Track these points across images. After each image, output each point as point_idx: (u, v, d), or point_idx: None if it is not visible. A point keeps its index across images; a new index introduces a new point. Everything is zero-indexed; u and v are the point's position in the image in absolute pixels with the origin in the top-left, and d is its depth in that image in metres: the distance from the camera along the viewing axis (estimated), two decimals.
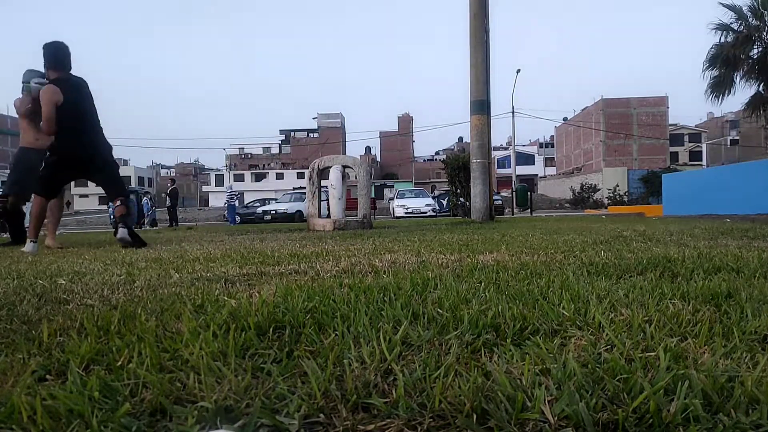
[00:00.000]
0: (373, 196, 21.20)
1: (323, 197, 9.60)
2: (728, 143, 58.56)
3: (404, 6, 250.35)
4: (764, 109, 18.52)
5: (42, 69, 4.78)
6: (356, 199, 8.65)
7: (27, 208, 5.95)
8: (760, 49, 17.83)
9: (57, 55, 4.55)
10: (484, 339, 1.12)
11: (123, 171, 58.67)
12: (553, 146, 68.82)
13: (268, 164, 73.78)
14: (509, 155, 48.37)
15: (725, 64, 18.03)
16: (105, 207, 35.88)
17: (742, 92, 18.79)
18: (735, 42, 17.83)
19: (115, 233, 4.68)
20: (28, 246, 4.45)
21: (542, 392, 0.79)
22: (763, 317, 1.23)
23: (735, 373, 0.87)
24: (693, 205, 11.60)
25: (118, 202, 4.68)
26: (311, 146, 69.63)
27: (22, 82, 5.29)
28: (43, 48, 4.53)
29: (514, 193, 24.66)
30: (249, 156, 76.88)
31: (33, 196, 4.80)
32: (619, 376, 0.87)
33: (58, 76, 4.53)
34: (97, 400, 0.83)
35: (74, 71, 4.77)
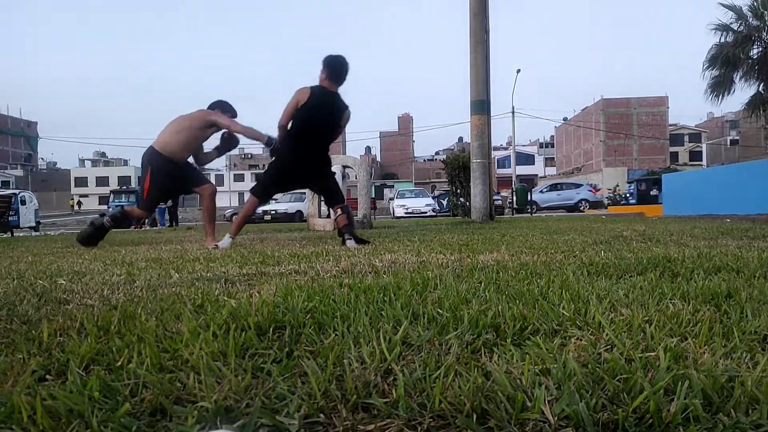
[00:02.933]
0: (373, 196, 21.20)
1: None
2: (728, 143, 58.47)
3: (404, 6, 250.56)
4: (764, 109, 18.54)
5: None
6: (356, 199, 8.65)
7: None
8: (760, 49, 17.84)
9: (335, 67, 4.51)
10: (484, 339, 1.12)
11: (123, 171, 58.73)
12: (553, 146, 68.76)
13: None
14: (509, 155, 48.35)
15: (725, 64, 18.04)
16: (105, 207, 35.88)
17: (742, 92, 18.83)
18: (735, 42, 17.84)
19: (343, 242, 4.51)
20: (225, 241, 4.39)
21: (542, 392, 0.79)
22: (763, 317, 1.23)
23: (735, 373, 0.87)
24: (693, 205, 11.58)
25: (339, 211, 4.58)
26: None
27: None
28: (329, 57, 4.52)
29: (514, 193, 24.62)
30: (249, 156, 76.82)
31: (249, 195, 4.69)
32: (619, 376, 0.87)
33: (322, 85, 4.48)
34: (97, 400, 0.83)
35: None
